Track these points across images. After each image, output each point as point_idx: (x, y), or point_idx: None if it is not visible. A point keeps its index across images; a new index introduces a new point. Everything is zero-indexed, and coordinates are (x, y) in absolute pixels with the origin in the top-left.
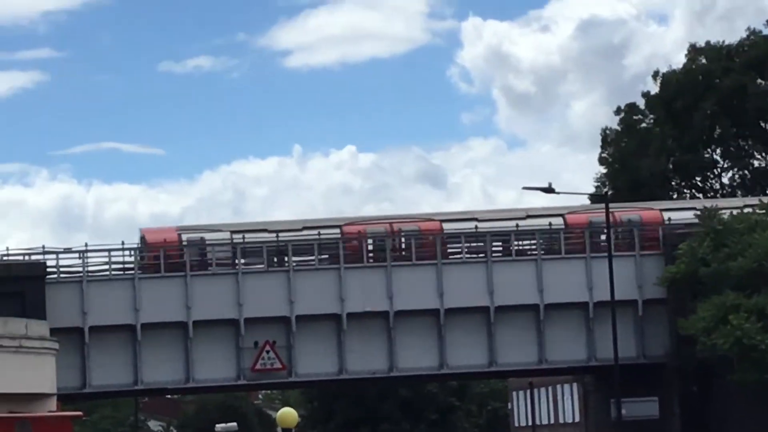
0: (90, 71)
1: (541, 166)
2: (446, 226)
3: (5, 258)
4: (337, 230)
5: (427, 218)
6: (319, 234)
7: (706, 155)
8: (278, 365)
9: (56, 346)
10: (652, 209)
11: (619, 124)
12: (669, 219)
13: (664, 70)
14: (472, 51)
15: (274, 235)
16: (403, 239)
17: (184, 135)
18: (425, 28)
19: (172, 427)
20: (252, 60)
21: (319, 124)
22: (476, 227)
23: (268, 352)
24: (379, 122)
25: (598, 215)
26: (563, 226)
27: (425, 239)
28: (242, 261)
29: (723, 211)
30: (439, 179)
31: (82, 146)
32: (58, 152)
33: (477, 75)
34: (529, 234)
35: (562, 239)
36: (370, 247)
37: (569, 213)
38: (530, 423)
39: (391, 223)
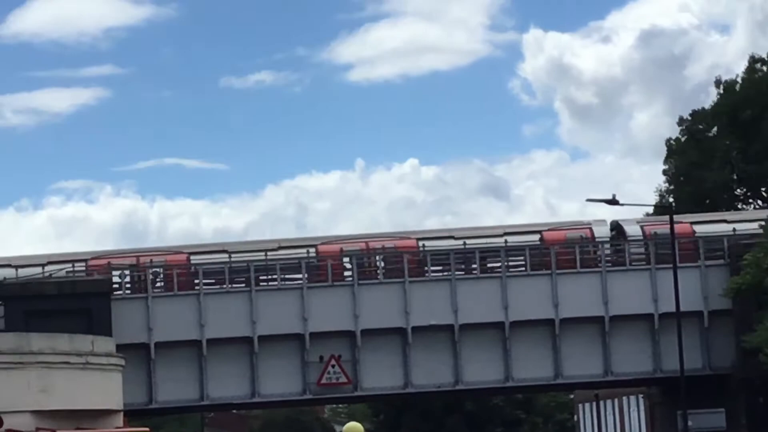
0: (152, 87)
1: (604, 177)
2: (424, 243)
3: (71, 274)
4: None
5: (404, 236)
6: (383, 248)
7: None
8: (344, 379)
9: (122, 362)
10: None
11: (681, 134)
12: (734, 230)
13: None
14: (533, 63)
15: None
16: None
17: (246, 150)
18: (486, 40)
19: None
20: (313, 74)
21: (381, 137)
22: (463, 244)
23: (333, 366)
24: (441, 135)
25: (574, 231)
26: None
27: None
28: (306, 276)
29: None
30: (501, 191)
31: (145, 162)
32: (121, 168)
33: (539, 87)
34: (594, 246)
35: (627, 251)
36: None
37: (547, 230)
38: None
39: (366, 242)
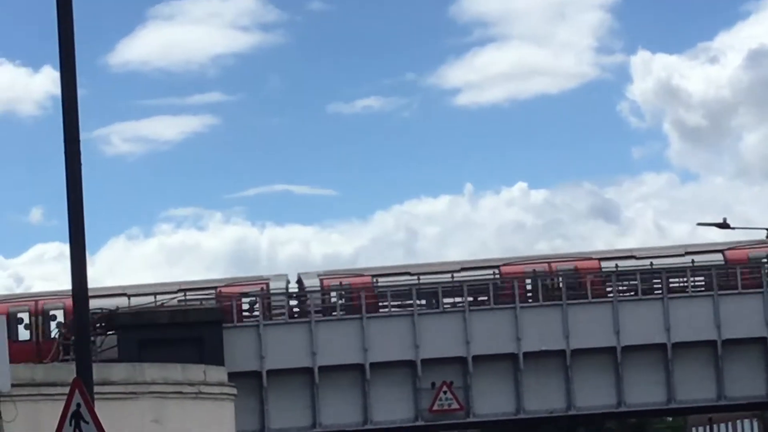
0: (260, 114)
1: (714, 199)
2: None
3: (182, 303)
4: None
5: (358, 273)
6: (494, 274)
7: None
8: (456, 406)
9: (234, 391)
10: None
11: None
12: None
13: None
14: (641, 85)
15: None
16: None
17: (355, 175)
18: (594, 63)
19: None
20: (422, 99)
21: (489, 161)
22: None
23: (445, 392)
24: (550, 158)
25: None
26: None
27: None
28: (417, 302)
29: None
30: (611, 214)
31: (254, 189)
32: (231, 195)
33: (647, 109)
34: (705, 270)
35: (739, 274)
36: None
37: (504, 264)
38: None
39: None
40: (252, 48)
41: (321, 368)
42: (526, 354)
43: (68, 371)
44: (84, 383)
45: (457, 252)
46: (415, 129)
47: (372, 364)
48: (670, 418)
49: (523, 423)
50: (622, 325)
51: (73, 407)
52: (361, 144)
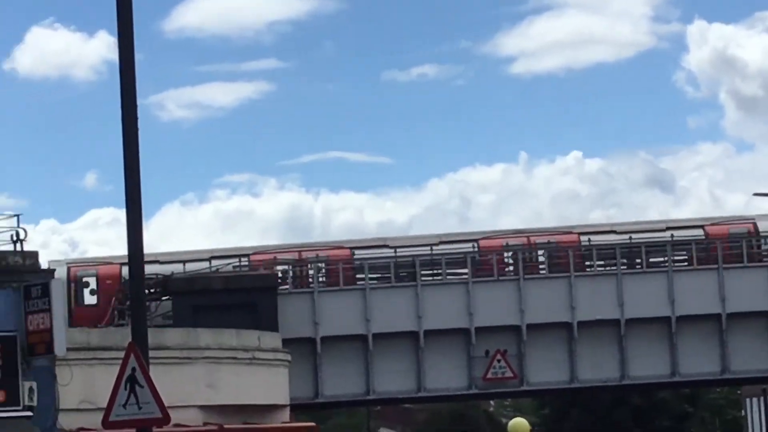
0: (315, 81)
1: None
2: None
3: (237, 269)
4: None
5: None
6: (548, 242)
7: None
8: (510, 374)
9: (288, 357)
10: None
11: None
12: None
13: None
14: (697, 54)
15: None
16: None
17: (409, 143)
18: (650, 31)
19: None
20: (476, 67)
21: (544, 130)
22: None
23: (499, 361)
24: (605, 127)
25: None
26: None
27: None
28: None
29: None
30: (667, 184)
31: (309, 156)
32: (286, 162)
33: (703, 79)
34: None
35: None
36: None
37: (483, 238)
38: (765, 430)
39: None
40: (307, 14)
41: (375, 335)
42: (580, 323)
43: (123, 336)
44: (139, 347)
45: (510, 220)
46: (470, 97)
47: (426, 332)
48: (724, 389)
49: (577, 392)
50: (677, 294)
51: (128, 371)
52: (416, 111)
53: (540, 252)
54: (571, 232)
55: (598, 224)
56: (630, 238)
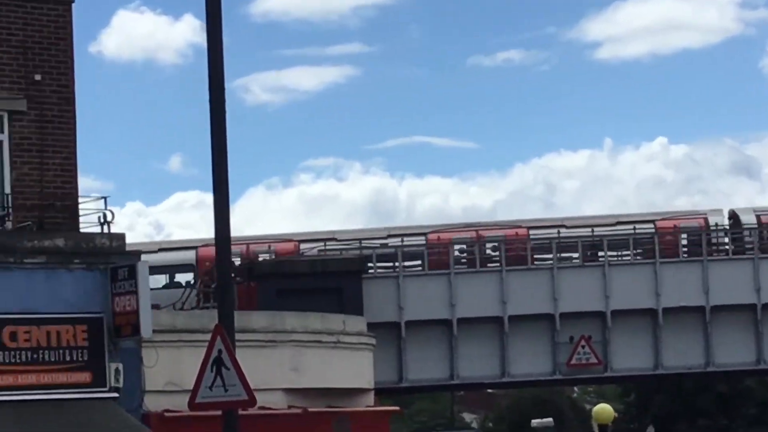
0: (400, 65)
1: None
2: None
3: (322, 253)
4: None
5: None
6: (634, 229)
7: None
8: (594, 360)
9: (373, 341)
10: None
11: None
12: None
13: None
14: None
15: (589, 230)
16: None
17: (494, 128)
18: (737, 17)
19: (488, 421)
20: (562, 52)
21: (629, 116)
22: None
23: (583, 347)
24: (691, 114)
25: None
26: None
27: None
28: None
29: None
30: (753, 170)
31: (394, 140)
32: (371, 146)
33: None
34: None
35: None
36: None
37: (431, 232)
38: None
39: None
40: None
41: (459, 320)
42: (665, 309)
43: (209, 318)
44: (225, 330)
45: (595, 207)
46: (555, 82)
47: (510, 317)
48: None
49: (661, 379)
50: (762, 282)
51: (214, 353)
52: (501, 96)
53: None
54: (520, 227)
55: (546, 218)
56: (716, 225)
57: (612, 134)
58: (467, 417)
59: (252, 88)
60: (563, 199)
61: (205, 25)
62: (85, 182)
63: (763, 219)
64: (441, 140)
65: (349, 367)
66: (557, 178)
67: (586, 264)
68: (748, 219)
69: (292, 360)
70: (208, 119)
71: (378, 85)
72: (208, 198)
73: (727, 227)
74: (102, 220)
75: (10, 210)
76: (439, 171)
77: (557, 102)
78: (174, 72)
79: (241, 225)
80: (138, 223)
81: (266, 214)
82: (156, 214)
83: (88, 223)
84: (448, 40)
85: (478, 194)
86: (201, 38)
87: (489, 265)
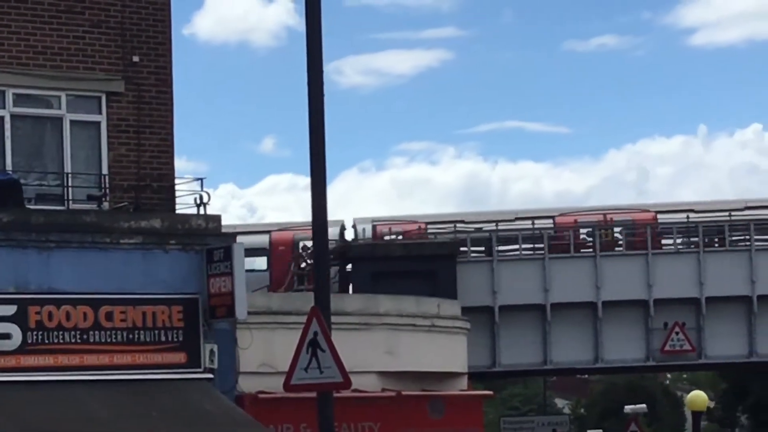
0: (494, 49)
1: None
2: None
3: (418, 237)
4: None
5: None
6: (729, 215)
7: None
8: (687, 347)
9: (468, 325)
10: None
11: None
12: None
13: None
14: None
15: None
16: None
17: (588, 113)
18: None
19: (580, 407)
20: (657, 38)
21: (724, 102)
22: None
23: (677, 333)
24: None
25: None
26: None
27: None
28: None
29: None
30: None
31: (487, 125)
32: (464, 131)
33: None
34: None
35: None
36: None
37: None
38: None
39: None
40: None
41: (553, 305)
42: (760, 297)
43: (304, 300)
44: (321, 312)
45: (688, 193)
46: (650, 68)
47: (604, 303)
48: None
49: (756, 366)
50: None
51: (310, 335)
52: (595, 82)
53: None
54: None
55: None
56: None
57: (706, 120)
58: (559, 402)
59: (345, 71)
60: (656, 185)
61: (299, 7)
62: (179, 164)
63: None
64: (534, 125)
65: (443, 350)
66: (651, 163)
67: (680, 250)
68: None
69: (386, 343)
70: (302, 101)
71: (471, 69)
72: (301, 180)
73: None
74: (198, 202)
75: (108, 191)
76: (532, 156)
77: (651, 88)
78: (267, 54)
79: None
80: (231, 205)
81: (359, 196)
82: (249, 196)
83: (183, 205)
84: (543, 24)
85: (571, 179)
86: (294, 20)
87: (583, 250)
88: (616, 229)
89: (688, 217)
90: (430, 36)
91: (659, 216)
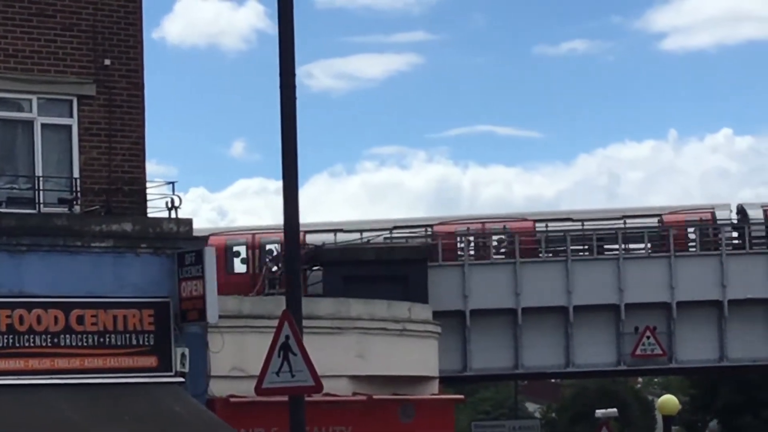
0: (464, 54)
1: None
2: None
3: (388, 241)
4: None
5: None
6: (700, 220)
7: None
8: (659, 351)
9: (439, 329)
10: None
11: None
12: None
13: None
14: None
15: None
16: None
17: (559, 118)
18: None
19: (551, 411)
20: (627, 43)
21: (694, 107)
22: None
23: (648, 337)
24: (757, 105)
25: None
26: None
27: None
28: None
29: None
30: None
31: (458, 129)
32: (434, 135)
33: None
34: None
35: None
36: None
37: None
38: None
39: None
40: None
41: (524, 309)
42: (731, 301)
43: (275, 304)
44: (293, 316)
45: (659, 198)
46: (620, 73)
47: (575, 307)
48: None
49: (726, 371)
50: None
51: (281, 339)
52: (566, 86)
53: (691, 230)
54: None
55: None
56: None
57: (677, 125)
58: (531, 406)
59: (316, 74)
60: (628, 190)
61: (269, 11)
62: (149, 167)
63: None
64: (505, 129)
65: (414, 354)
66: (621, 168)
67: (651, 255)
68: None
69: (357, 347)
70: (272, 105)
71: (442, 73)
72: (271, 184)
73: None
74: (169, 205)
75: (79, 194)
76: (503, 160)
77: (622, 92)
78: (237, 57)
79: (304, 212)
80: (202, 209)
81: (330, 200)
82: (220, 200)
83: (155, 208)
84: (513, 28)
85: (542, 184)
86: (264, 23)
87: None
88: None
89: (660, 221)
90: (401, 40)
91: (628, 220)
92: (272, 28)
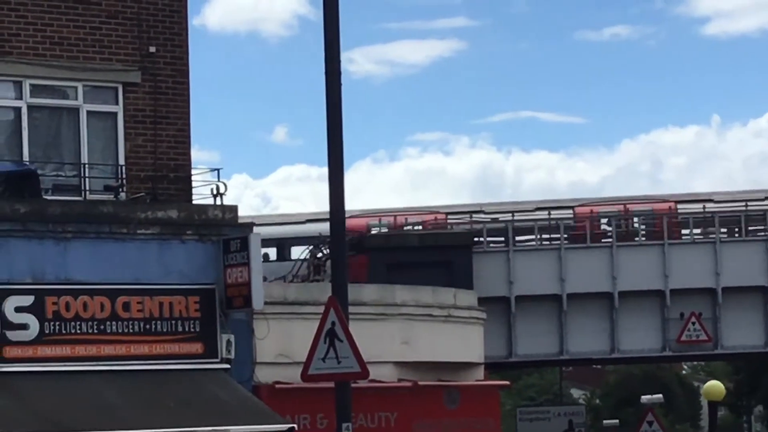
0: (507, 39)
1: None
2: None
3: (433, 227)
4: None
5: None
6: (746, 205)
7: None
8: (704, 337)
9: (484, 315)
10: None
11: None
12: None
13: None
14: None
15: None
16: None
17: (602, 103)
18: None
19: (596, 397)
20: (670, 27)
21: (737, 92)
22: None
23: (693, 323)
24: None
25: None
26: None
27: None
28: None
29: None
30: None
31: (501, 115)
32: (477, 121)
33: None
34: None
35: None
36: None
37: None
38: None
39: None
40: None
41: (569, 296)
42: None
43: (320, 290)
44: (339, 302)
45: (702, 183)
46: (663, 58)
47: (620, 293)
48: None
49: None
50: None
51: (327, 325)
52: (609, 72)
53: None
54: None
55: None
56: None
57: (720, 110)
58: (575, 392)
59: (358, 60)
60: (670, 176)
61: None
62: (193, 154)
63: None
64: (548, 115)
65: (459, 341)
66: (664, 154)
67: (697, 241)
68: None
69: (402, 333)
70: (313, 90)
71: (484, 59)
72: (314, 171)
73: None
74: (215, 192)
75: (124, 181)
76: (546, 146)
77: (664, 78)
78: (277, 43)
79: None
80: (245, 196)
81: (372, 187)
82: (263, 186)
83: (200, 195)
84: (555, 14)
85: (585, 169)
86: (305, 9)
87: (603, 240)
88: (635, 219)
89: (704, 208)
90: (443, 26)
91: (678, 206)
92: (313, 14)
